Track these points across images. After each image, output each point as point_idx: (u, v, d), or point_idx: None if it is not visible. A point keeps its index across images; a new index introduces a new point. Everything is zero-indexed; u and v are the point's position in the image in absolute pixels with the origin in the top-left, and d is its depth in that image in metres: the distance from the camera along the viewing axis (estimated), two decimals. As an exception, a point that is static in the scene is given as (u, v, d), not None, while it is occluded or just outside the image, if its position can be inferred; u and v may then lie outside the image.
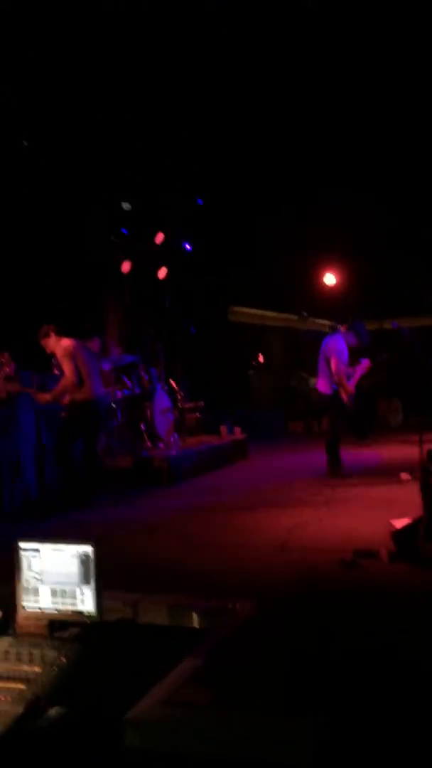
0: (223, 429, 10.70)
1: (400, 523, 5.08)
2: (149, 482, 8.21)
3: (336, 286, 13.88)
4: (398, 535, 4.76)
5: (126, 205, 10.52)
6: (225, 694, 2.73)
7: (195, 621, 3.84)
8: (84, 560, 3.14)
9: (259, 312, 16.67)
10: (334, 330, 8.82)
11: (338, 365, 8.14)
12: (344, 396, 8.25)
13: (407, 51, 8.93)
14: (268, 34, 8.51)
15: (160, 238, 11.70)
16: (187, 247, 12.57)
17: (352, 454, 8.35)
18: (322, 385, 8.35)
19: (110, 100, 8.90)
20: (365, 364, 8.49)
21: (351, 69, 9.38)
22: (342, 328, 8.68)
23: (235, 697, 2.72)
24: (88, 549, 3.15)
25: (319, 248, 13.88)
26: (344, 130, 11.21)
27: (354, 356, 8.90)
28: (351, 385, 8.42)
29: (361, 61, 9.35)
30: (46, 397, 7.20)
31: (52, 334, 7.24)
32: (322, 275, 13.82)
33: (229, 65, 9.04)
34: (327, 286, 13.93)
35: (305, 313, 16.62)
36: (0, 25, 7.04)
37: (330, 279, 13.84)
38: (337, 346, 8.30)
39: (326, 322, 15.24)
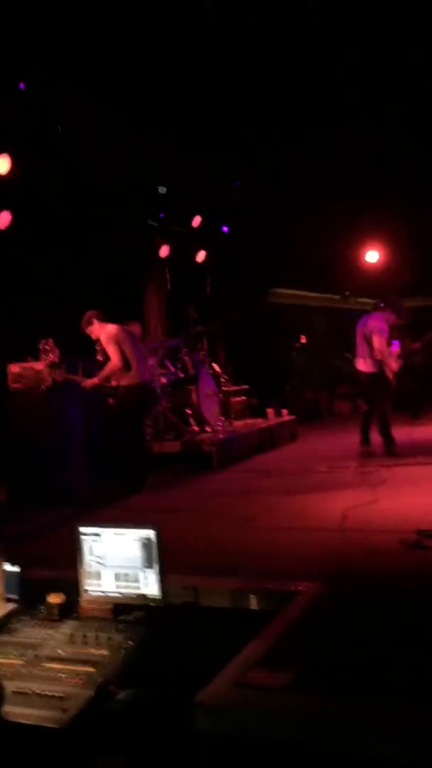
0: (270, 411, 10.60)
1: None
2: (198, 467, 8.15)
3: (379, 263, 13.61)
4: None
5: (162, 189, 10.42)
6: (298, 678, 2.65)
7: (258, 604, 3.77)
8: (146, 544, 3.09)
9: (301, 293, 16.46)
10: (375, 308, 8.66)
11: (381, 343, 8.04)
12: (389, 374, 8.12)
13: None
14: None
15: (197, 221, 11.58)
16: (225, 229, 12.43)
17: (406, 432, 8.17)
18: (364, 364, 8.21)
19: (138, 76, 8.81)
20: (396, 347, 8.43)
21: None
22: (380, 306, 8.54)
23: (309, 680, 2.64)
24: (150, 533, 3.09)
25: (362, 225, 13.63)
26: (377, 103, 10.99)
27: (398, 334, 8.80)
28: (394, 363, 8.30)
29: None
30: (92, 381, 7.16)
31: (95, 321, 7.21)
32: (365, 253, 13.55)
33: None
34: (369, 263, 13.65)
35: (348, 293, 16.37)
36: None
37: (372, 256, 13.57)
38: (377, 325, 8.18)
39: (369, 300, 14.97)
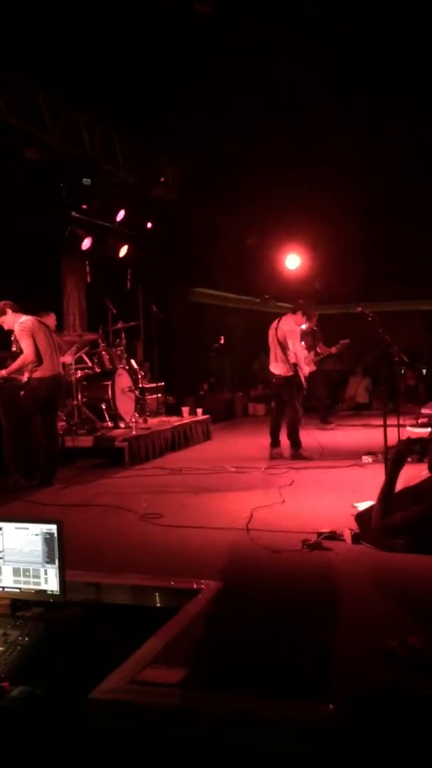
0: (185, 410, 10.65)
1: (362, 505, 5.12)
2: (110, 462, 8.13)
3: (299, 269, 13.88)
4: (361, 516, 4.79)
5: (86, 181, 10.31)
6: (192, 674, 2.70)
7: (159, 601, 3.81)
8: (48, 539, 3.07)
9: (222, 293, 16.61)
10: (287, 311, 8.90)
11: (295, 346, 8.28)
12: (302, 377, 8.35)
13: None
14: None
15: (121, 215, 11.52)
16: (149, 225, 12.40)
17: (314, 436, 8.38)
18: (277, 367, 8.40)
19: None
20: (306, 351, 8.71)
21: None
22: (291, 309, 8.78)
23: (203, 677, 2.69)
24: (52, 528, 3.09)
25: (283, 230, 13.87)
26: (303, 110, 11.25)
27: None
28: (306, 366, 8.56)
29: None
30: (1, 372, 7.04)
31: (9, 311, 7.07)
32: (285, 258, 13.79)
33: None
34: (290, 269, 13.91)
35: (267, 296, 16.62)
36: None
37: (292, 262, 13.82)
38: (289, 328, 8.39)
39: (288, 305, 15.27)
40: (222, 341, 14.75)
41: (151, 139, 11.44)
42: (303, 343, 9.12)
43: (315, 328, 10.56)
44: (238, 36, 9.25)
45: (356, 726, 1.12)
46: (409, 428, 8.80)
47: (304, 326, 9.22)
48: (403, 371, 13.62)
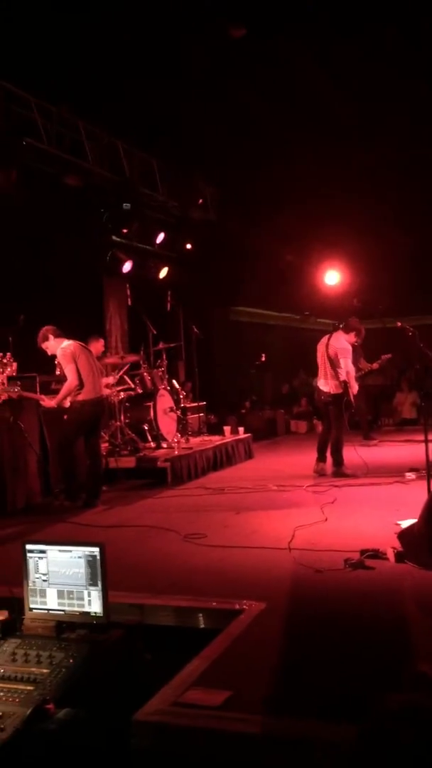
0: (227, 429, 10.69)
1: (405, 523, 5.06)
2: (153, 483, 8.19)
3: (338, 285, 13.86)
4: (404, 535, 4.74)
5: (126, 205, 10.51)
6: (236, 696, 2.71)
7: (202, 622, 3.83)
8: (91, 561, 3.13)
9: (262, 311, 16.66)
10: (335, 329, 8.83)
11: (347, 365, 8.23)
12: (351, 395, 8.30)
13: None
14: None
15: (160, 237, 11.69)
16: (189, 246, 12.55)
17: (357, 453, 8.33)
18: (327, 385, 8.35)
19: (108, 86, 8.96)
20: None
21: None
22: (342, 327, 8.71)
23: (247, 699, 2.70)
24: (95, 550, 3.14)
25: (321, 246, 13.89)
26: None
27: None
28: (355, 384, 8.50)
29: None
30: (50, 403, 7.19)
31: (51, 337, 7.23)
32: (325, 274, 13.79)
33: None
34: (329, 285, 13.90)
35: (308, 313, 16.60)
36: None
37: (332, 278, 13.81)
38: (341, 346, 8.35)
39: (329, 321, 15.23)
40: (263, 359, 14.76)
41: (189, 161, 11.61)
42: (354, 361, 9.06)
43: (358, 345, 10.51)
44: (271, 54, 9.36)
45: (374, 750, 1.13)
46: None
47: (353, 343, 9.14)
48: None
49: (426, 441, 6.08)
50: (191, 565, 4.74)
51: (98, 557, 3.12)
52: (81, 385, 7.08)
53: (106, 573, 3.13)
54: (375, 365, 11.02)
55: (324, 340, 8.58)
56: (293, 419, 14.41)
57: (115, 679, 3.04)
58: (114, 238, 10.73)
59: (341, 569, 4.38)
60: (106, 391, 8.33)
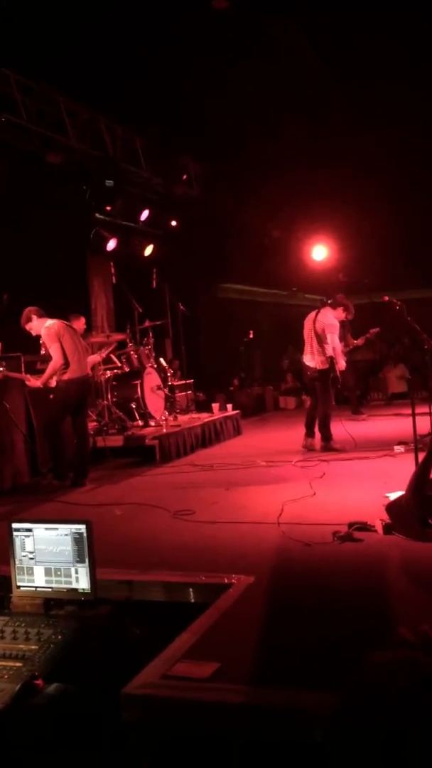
0: (215, 406, 10.68)
1: (394, 495, 5.08)
2: (141, 461, 8.20)
3: (325, 260, 13.80)
4: (392, 506, 4.76)
5: (109, 182, 10.38)
6: (224, 668, 2.72)
7: (191, 596, 3.84)
8: (77, 539, 3.12)
9: (249, 288, 16.59)
10: (322, 304, 8.79)
11: (334, 340, 8.22)
12: (337, 371, 8.30)
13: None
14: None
15: (145, 214, 11.58)
16: (174, 223, 12.44)
17: (346, 427, 8.35)
18: (314, 360, 8.36)
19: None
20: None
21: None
22: (329, 303, 8.69)
23: (235, 671, 2.71)
24: (81, 527, 3.13)
25: (308, 221, 13.81)
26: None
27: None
28: (343, 360, 8.50)
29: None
30: (35, 383, 7.15)
31: (34, 317, 7.17)
32: (312, 249, 13.72)
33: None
34: (316, 260, 13.84)
35: (295, 289, 16.55)
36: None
37: (319, 253, 13.75)
38: (329, 321, 8.33)
39: (317, 297, 15.19)
40: (251, 336, 14.73)
41: (172, 137, 11.47)
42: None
43: (346, 321, 10.49)
44: (257, 30, 9.22)
45: (360, 703, 1.12)
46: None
47: (341, 319, 9.12)
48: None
49: (414, 414, 6.10)
50: (180, 542, 4.74)
51: (85, 534, 3.11)
52: (66, 364, 7.04)
53: (93, 550, 3.13)
54: (360, 341, 11.02)
55: (311, 315, 8.56)
56: (282, 395, 14.42)
57: (104, 654, 3.05)
58: (97, 215, 10.61)
59: (329, 542, 4.40)
60: (93, 367, 8.28)
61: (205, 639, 3.02)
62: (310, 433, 8.48)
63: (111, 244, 10.84)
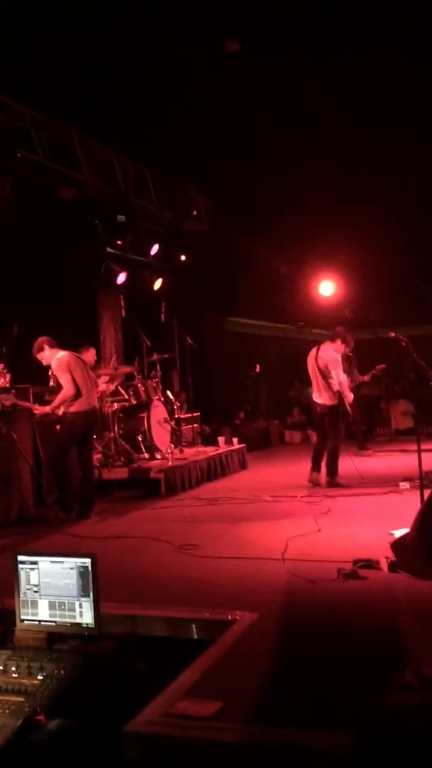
0: (221, 439, 10.69)
1: (399, 533, 5.07)
2: (146, 493, 8.19)
3: (332, 296, 13.91)
4: (397, 544, 4.74)
5: (121, 217, 10.54)
6: (226, 707, 2.71)
7: (195, 633, 3.82)
8: (82, 573, 3.12)
9: (256, 322, 16.69)
10: (324, 339, 8.84)
11: (339, 375, 8.24)
12: (347, 405, 8.31)
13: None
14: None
15: (155, 249, 11.72)
16: (183, 257, 12.58)
17: (351, 463, 8.33)
18: (321, 397, 8.36)
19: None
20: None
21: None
22: (330, 337, 8.70)
23: (238, 709, 2.69)
24: (86, 561, 3.14)
25: (315, 257, 13.95)
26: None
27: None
28: (350, 394, 8.50)
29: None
30: (43, 409, 7.20)
31: (46, 347, 7.25)
32: (319, 285, 13.84)
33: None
34: (323, 295, 13.94)
35: (302, 323, 16.64)
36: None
37: (326, 289, 13.86)
38: (331, 356, 8.35)
39: (324, 332, 15.28)
40: (258, 369, 14.78)
41: (183, 172, 11.66)
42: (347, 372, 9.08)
43: (350, 354, 10.53)
44: (270, 70, 9.42)
45: (374, 744, 1.14)
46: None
47: (342, 353, 9.17)
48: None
49: (419, 450, 6.10)
50: (184, 576, 4.73)
51: (90, 568, 3.11)
52: (78, 394, 7.08)
53: (98, 584, 3.13)
54: (367, 377, 11.05)
55: (313, 352, 8.58)
56: (288, 429, 14.42)
57: (107, 690, 3.03)
58: (108, 249, 10.75)
59: (334, 579, 4.38)
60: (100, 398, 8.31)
61: (208, 677, 3.01)
62: (316, 468, 8.47)
63: (121, 278, 10.98)
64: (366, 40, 8.71)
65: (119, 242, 10.83)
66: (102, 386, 8.73)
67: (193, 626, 3.79)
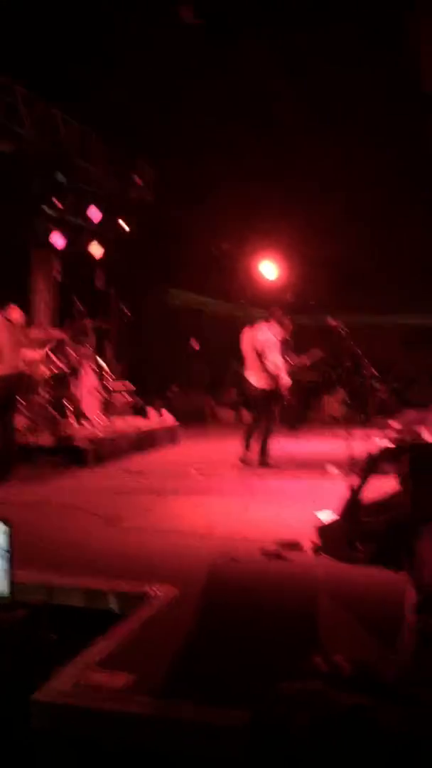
0: (152, 411, 10.55)
1: (324, 515, 5.07)
2: (72, 462, 8.00)
3: (274, 277, 13.89)
4: (323, 528, 4.74)
5: (61, 177, 10.16)
6: (139, 680, 2.64)
7: (112, 604, 3.73)
8: (-3, 538, 2.98)
9: (197, 297, 16.56)
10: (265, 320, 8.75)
11: (275, 357, 8.14)
12: (283, 389, 8.23)
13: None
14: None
15: (95, 213, 11.40)
16: (126, 227, 12.31)
17: (283, 444, 8.34)
18: (258, 380, 8.27)
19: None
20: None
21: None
22: (265, 318, 8.62)
23: (149, 683, 2.63)
24: (0, 527, 2.99)
25: (258, 237, 13.88)
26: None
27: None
28: (287, 377, 8.43)
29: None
30: None
31: None
32: (260, 265, 13.79)
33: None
34: (265, 276, 13.91)
35: (243, 301, 16.59)
36: None
37: (268, 269, 13.81)
38: (266, 338, 8.25)
39: (264, 311, 15.30)
40: (196, 344, 14.68)
41: (129, 140, 11.39)
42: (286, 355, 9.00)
43: (287, 338, 10.52)
44: (221, 45, 9.26)
45: (268, 732, 1.11)
46: (377, 440, 8.79)
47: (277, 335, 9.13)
48: (375, 385, 13.64)
49: (349, 438, 6.14)
50: (106, 548, 4.63)
51: (4, 534, 2.97)
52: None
53: (13, 551, 3.00)
54: (306, 360, 11.05)
55: (248, 332, 8.48)
56: (221, 407, 14.39)
57: (17, 658, 2.92)
58: (46, 209, 10.38)
59: (257, 559, 4.36)
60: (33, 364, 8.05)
61: (122, 648, 2.94)
62: (248, 447, 8.44)
63: (59, 241, 10.64)
64: (316, 20, 8.66)
65: (59, 204, 10.48)
66: (31, 350, 8.44)
67: (111, 597, 3.71)
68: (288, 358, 10.55)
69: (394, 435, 9.80)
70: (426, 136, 10.87)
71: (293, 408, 11.60)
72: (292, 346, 10.87)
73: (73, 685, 2.59)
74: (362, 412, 12.64)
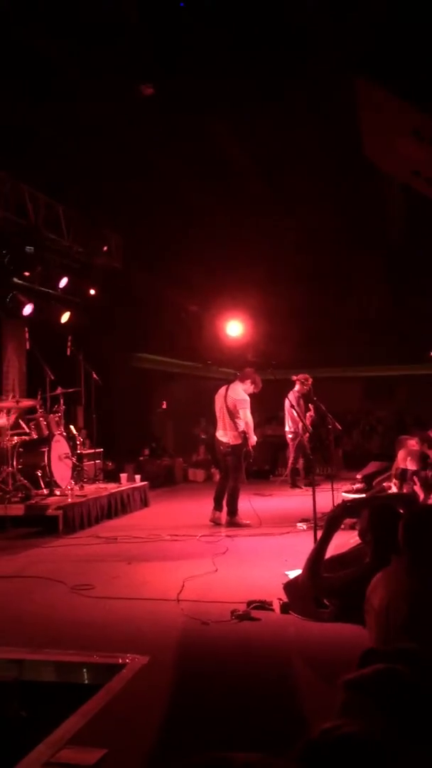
0: (123, 476, 10.58)
1: (293, 573, 5.16)
2: (44, 531, 7.99)
3: (239, 336, 14.16)
4: (289, 585, 4.83)
5: (29, 249, 10.43)
6: (110, 755, 2.67)
7: (85, 677, 3.75)
8: (-33, 615, 3.02)
9: (165, 359, 16.75)
10: (233, 380, 8.98)
11: (246, 416, 8.35)
12: (250, 446, 8.41)
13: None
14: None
15: (64, 282, 11.63)
16: (92, 292, 12.54)
17: (251, 502, 8.43)
18: (227, 436, 8.45)
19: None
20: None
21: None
22: (238, 377, 8.86)
23: (121, 757, 2.66)
24: (-29, 604, 3.04)
25: (223, 298, 14.21)
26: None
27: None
28: (255, 435, 8.62)
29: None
30: None
31: None
32: (227, 324, 14.06)
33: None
34: (230, 336, 14.17)
35: (210, 362, 16.82)
36: None
37: (233, 329, 14.09)
38: (240, 397, 8.47)
39: (231, 370, 15.50)
40: (164, 406, 14.77)
41: (95, 209, 11.70)
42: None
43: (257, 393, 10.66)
44: (181, 118, 9.66)
45: None
46: (343, 494, 8.93)
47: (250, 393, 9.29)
48: (338, 438, 13.83)
49: (314, 492, 6.25)
50: (76, 618, 4.64)
51: (-26, 611, 3.02)
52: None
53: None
54: (308, 419, 11.07)
55: (222, 391, 8.71)
56: (191, 468, 14.44)
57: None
58: (16, 280, 10.58)
59: (228, 621, 4.41)
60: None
61: (94, 723, 2.97)
62: (218, 507, 8.52)
63: (27, 309, 10.79)
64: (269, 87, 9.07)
65: (27, 273, 10.69)
66: (1, 419, 8.51)
67: (83, 670, 3.73)
68: (302, 413, 10.54)
69: (358, 487, 9.98)
70: (375, 198, 11.37)
71: (264, 464, 11.66)
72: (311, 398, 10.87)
73: (44, 764, 2.61)
74: (326, 466, 12.78)
